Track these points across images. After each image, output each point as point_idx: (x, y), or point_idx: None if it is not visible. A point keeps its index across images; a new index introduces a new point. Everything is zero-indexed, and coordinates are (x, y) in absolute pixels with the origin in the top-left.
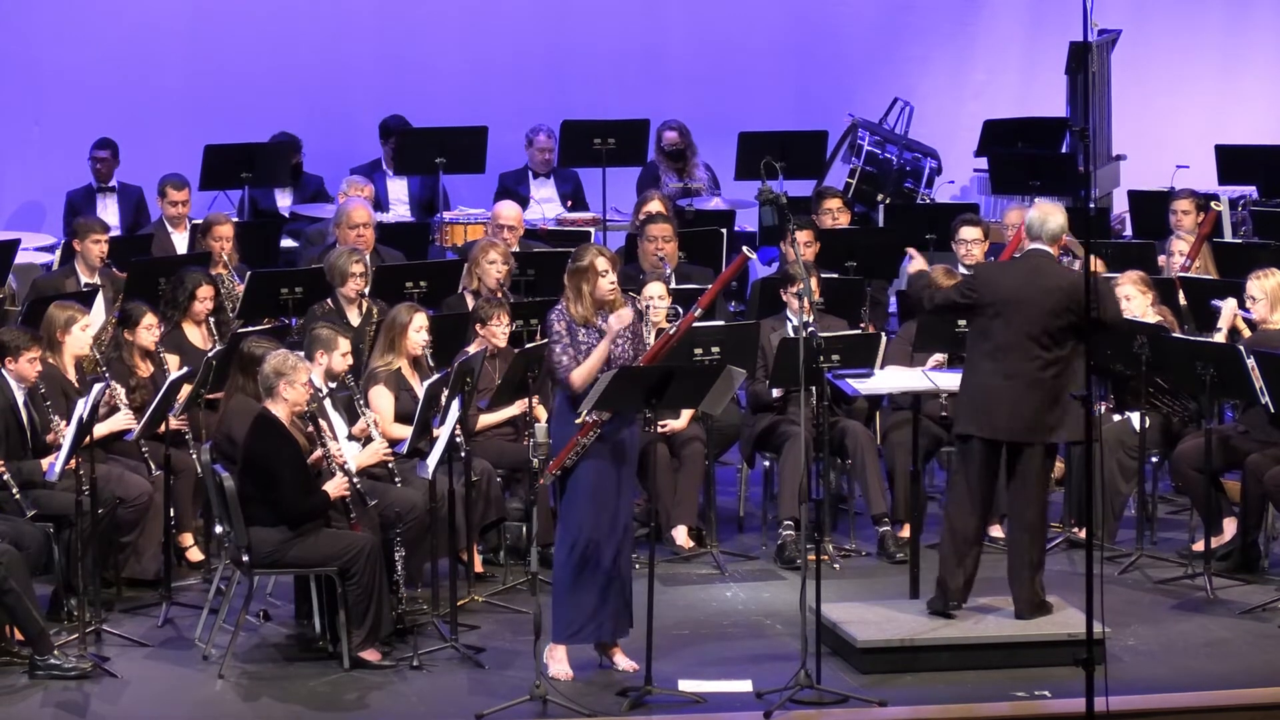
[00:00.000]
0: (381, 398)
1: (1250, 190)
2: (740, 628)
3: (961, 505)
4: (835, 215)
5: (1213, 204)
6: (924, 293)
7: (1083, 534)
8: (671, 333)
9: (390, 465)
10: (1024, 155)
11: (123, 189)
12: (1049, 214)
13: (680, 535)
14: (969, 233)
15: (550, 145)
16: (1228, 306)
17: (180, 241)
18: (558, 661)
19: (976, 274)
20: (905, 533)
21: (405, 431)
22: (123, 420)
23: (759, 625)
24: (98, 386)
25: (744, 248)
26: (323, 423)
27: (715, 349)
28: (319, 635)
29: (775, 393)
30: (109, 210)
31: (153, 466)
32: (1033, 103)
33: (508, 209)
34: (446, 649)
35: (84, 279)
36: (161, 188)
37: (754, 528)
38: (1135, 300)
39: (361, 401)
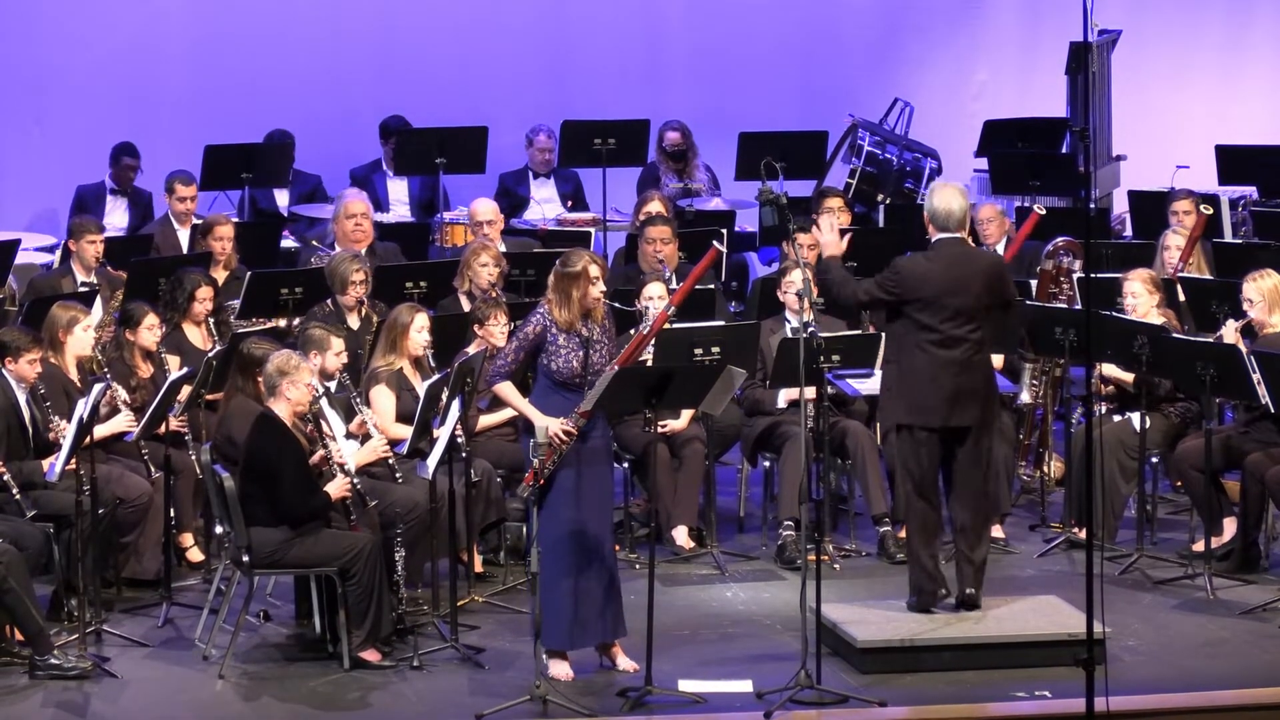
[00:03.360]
0: (383, 397)
1: (1250, 190)
2: (740, 628)
3: (927, 497)
4: (836, 214)
5: (1201, 207)
6: (843, 289)
7: (1083, 534)
8: (645, 331)
9: (391, 463)
10: (1024, 155)
11: (134, 192)
12: (951, 200)
13: (680, 535)
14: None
15: (550, 145)
16: (1228, 329)
17: (186, 238)
18: (558, 662)
19: (899, 269)
20: (905, 533)
21: (406, 432)
22: (123, 422)
23: (759, 625)
24: (98, 387)
25: (714, 241)
26: (324, 424)
27: (715, 349)
28: (319, 635)
29: (781, 403)
30: (118, 211)
31: (152, 468)
32: (1033, 103)
33: (482, 205)
34: (446, 649)
35: (80, 278)
36: (170, 184)
37: (754, 528)
38: (1142, 299)
39: (360, 402)
